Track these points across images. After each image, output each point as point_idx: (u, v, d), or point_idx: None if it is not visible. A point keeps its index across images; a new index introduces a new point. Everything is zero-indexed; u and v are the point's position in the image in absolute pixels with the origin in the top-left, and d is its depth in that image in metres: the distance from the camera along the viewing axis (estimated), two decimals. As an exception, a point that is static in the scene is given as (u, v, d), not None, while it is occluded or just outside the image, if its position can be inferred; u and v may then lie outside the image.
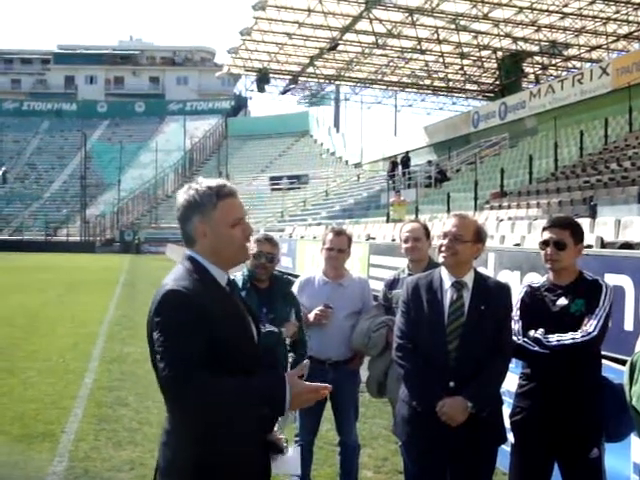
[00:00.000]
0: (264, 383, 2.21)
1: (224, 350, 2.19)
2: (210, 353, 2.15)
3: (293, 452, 2.58)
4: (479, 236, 3.43)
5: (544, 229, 3.51)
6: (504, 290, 3.47)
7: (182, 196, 2.32)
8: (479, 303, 3.34)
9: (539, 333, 3.36)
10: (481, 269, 6.63)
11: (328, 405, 4.69)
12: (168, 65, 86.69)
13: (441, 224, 3.76)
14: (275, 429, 2.46)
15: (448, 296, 3.37)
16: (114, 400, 7.20)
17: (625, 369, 2.65)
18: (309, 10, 31.13)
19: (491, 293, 3.39)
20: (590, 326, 3.28)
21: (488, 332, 3.29)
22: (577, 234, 3.45)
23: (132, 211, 61.59)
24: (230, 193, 2.31)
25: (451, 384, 3.25)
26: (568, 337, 3.28)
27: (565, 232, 3.42)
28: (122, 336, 11.52)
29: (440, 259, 3.43)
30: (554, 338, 3.31)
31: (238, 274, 4.23)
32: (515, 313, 3.53)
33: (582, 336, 3.27)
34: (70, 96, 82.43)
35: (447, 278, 3.41)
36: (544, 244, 3.45)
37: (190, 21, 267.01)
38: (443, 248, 3.38)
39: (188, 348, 2.12)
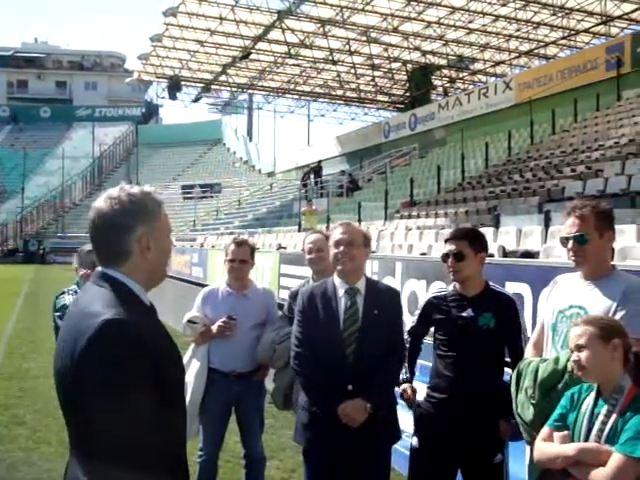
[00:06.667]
0: None
1: (166, 384, 1.91)
2: (155, 386, 1.86)
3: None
4: (367, 239, 3.62)
5: (445, 241, 3.61)
6: (394, 294, 3.68)
7: (117, 202, 1.96)
8: (372, 307, 3.46)
9: None
10: (388, 278, 6.75)
11: (234, 417, 4.62)
12: (76, 69, 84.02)
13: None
14: None
15: (342, 303, 3.48)
16: (10, 419, 6.86)
17: (512, 377, 2.72)
18: (221, 18, 30.92)
19: (383, 297, 3.54)
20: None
21: (382, 334, 3.42)
22: (476, 244, 3.53)
23: (37, 220, 59.22)
24: (162, 201, 2.08)
25: (349, 387, 3.35)
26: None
27: (463, 243, 3.50)
28: (22, 351, 11.03)
29: (338, 267, 3.51)
30: None
31: None
32: (413, 321, 3.73)
33: None
34: (-31, 99, 78.81)
35: (340, 286, 3.52)
36: (446, 256, 3.54)
37: (100, 25, 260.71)
38: (340, 256, 3.48)
39: (141, 393, 1.80)
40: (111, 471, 1.84)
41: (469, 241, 3.52)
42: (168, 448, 1.95)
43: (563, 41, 31.27)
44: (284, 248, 15.25)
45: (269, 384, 4.68)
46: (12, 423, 6.70)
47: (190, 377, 4.39)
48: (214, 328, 4.42)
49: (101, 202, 1.99)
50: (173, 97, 41.00)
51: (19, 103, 78.18)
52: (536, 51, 32.89)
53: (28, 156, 62.75)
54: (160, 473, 1.90)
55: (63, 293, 4.97)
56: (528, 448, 3.04)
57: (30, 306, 18.05)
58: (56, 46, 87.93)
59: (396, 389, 3.65)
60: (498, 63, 35.20)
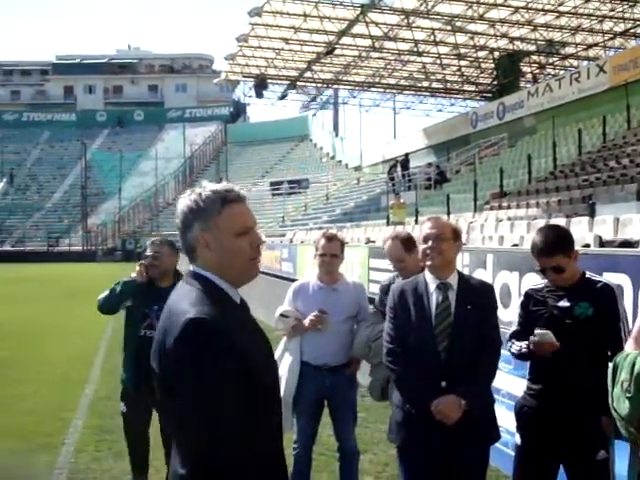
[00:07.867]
0: None
1: (255, 381, 1.93)
2: (242, 384, 1.89)
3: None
4: (457, 233, 3.53)
5: (536, 256, 3.45)
6: (488, 288, 3.58)
7: (183, 201, 2.06)
8: (465, 302, 3.39)
9: None
10: (480, 270, 6.65)
11: (327, 411, 4.67)
12: (166, 73, 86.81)
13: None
14: None
15: (434, 298, 3.42)
16: (115, 410, 7.14)
17: (609, 370, 2.63)
18: (305, 15, 31.16)
19: (475, 292, 3.45)
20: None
21: (475, 330, 3.35)
22: (569, 248, 3.41)
23: (133, 219, 61.58)
24: (237, 198, 2.05)
25: (443, 384, 3.29)
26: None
27: (558, 257, 3.37)
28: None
29: (427, 263, 3.46)
30: None
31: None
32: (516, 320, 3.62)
33: None
34: (69, 106, 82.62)
35: (431, 281, 3.46)
36: (543, 271, 3.43)
37: (187, 29, 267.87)
38: (428, 251, 3.43)
39: (228, 386, 1.84)
40: (208, 468, 1.88)
41: (562, 252, 3.37)
42: (265, 443, 1.97)
43: (663, 19, 29.81)
44: (373, 242, 15.25)
45: (361, 378, 4.70)
46: (117, 414, 6.95)
47: (283, 371, 4.47)
48: (306, 322, 4.49)
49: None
50: (260, 95, 41.72)
51: (115, 108, 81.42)
52: (632, 31, 31.44)
53: (124, 158, 65.27)
54: (259, 467, 1.91)
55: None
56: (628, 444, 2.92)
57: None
58: (148, 51, 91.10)
59: (494, 385, 3.56)
60: (591, 46, 33.85)
